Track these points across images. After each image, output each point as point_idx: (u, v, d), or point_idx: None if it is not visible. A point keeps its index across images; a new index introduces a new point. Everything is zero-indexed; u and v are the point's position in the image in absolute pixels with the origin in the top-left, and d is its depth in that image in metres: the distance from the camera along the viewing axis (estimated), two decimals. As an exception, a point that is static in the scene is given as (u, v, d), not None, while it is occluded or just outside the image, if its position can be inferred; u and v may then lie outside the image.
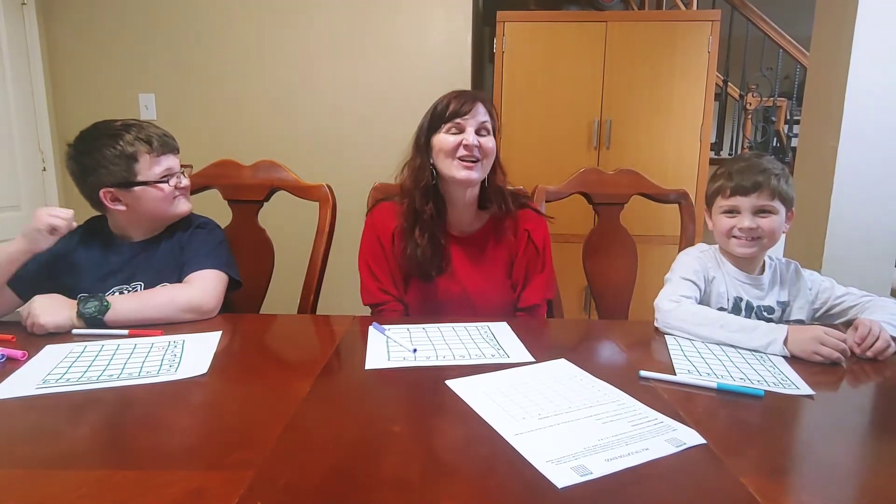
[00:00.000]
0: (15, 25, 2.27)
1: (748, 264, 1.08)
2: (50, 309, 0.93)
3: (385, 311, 1.16)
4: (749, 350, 0.89)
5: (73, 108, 2.45)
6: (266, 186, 1.36)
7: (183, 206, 1.14)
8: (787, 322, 1.05)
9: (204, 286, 1.04)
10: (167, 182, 1.09)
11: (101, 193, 1.05)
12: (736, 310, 1.05)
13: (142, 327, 0.95)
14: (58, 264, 1.07)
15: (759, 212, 1.02)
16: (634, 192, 1.45)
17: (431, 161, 1.12)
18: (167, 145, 1.10)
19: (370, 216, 1.21)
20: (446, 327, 0.99)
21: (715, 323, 0.93)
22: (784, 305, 1.06)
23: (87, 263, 1.08)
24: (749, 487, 0.50)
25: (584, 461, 0.54)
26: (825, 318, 1.07)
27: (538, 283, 1.19)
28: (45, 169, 2.40)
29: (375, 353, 0.85)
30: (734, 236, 1.04)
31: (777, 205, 1.02)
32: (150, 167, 1.07)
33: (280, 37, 2.41)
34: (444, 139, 1.09)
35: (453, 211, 1.17)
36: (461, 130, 1.08)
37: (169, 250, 1.12)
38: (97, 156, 1.04)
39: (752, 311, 1.05)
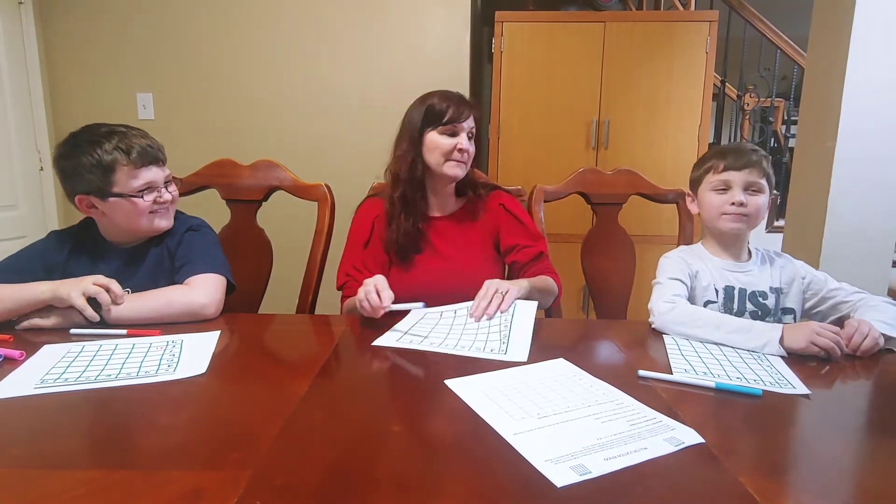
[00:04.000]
0: (12, 25, 2.27)
1: (732, 251, 1.10)
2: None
3: (345, 288, 1.22)
4: (746, 350, 0.89)
5: (71, 108, 2.44)
6: (264, 186, 1.36)
7: (160, 222, 1.09)
8: (782, 310, 1.07)
9: (206, 290, 1.03)
10: (142, 197, 1.04)
11: (76, 199, 1.03)
12: (728, 299, 1.06)
13: (141, 327, 0.95)
14: (52, 276, 1.03)
15: (749, 188, 1.05)
16: (632, 191, 1.45)
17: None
18: (148, 156, 1.04)
19: (358, 209, 1.31)
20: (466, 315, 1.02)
21: (711, 324, 0.94)
22: (777, 291, 1.07)
23: (77, 273, 1.01)
24: (747, 486, 0.50)
25: (583, 460, 0.54)
26: (817, 311, 1.08)
27: (526, 240, 1.27)
28: (42, 168, 2.40)
29: (386, 336, 0.92)
30: (725, 213, 1.06)
31: (764, 184, 1.06)
32: (128, 180, 1.02)
33: (278, 36, 2.41)
34: (440, 140, 1.18)
35: (435, 197, 1.28)
36: (456, 134, 1.19)
37: (157, 256, 1.10)
38: (75, 162, 1.00)
39: (745, 297, 1.05)
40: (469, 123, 1.20)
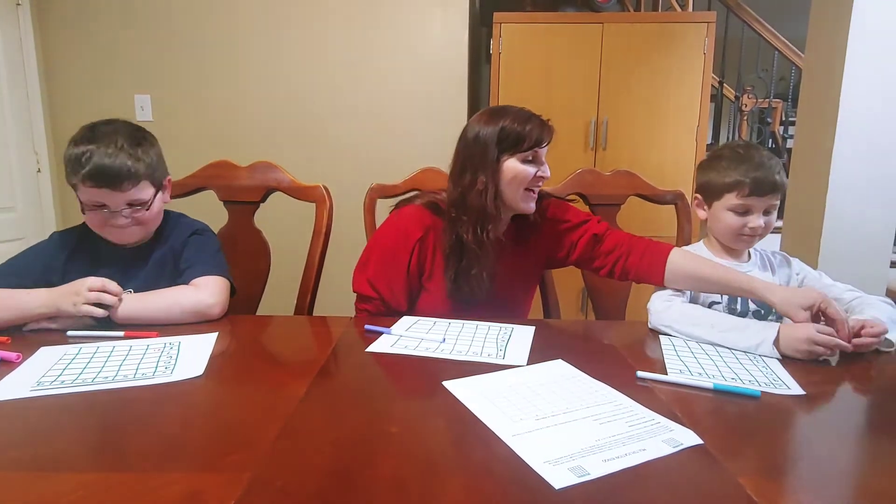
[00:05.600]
0: (9, 26, 2.27)
1: (734, 254, 1.11)
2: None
3: (368, 308, 1.11)
4: (740, 350, 0.89)
5: (69, 109, 2.44)
6: (262, 187, 1.36)
7: (119, 238, 1.04)
8: None
9: (212, 290, 1.03)
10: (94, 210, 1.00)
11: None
12: (732, 299, 1.07)
13: (146, 327, 0.95)
14: (52, 277, 1.03)
15: (767, 210, 1.05)
16: (631, 192, 1.45)
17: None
18: (102, 179, 0.95)
19: (399, 214, 1.14)
20: (470, 324, 1.00)
21: (706, 322, 0.94)
22: None
23: (77, 274, 0.99)
24: (746, 487, 0.50)
25: (582, 462, 0.54)
26: None
27: (580, 230, 1.16)
28: (39, 170, 2.40)
29: (381, 341, 0.90)
30: (741, 234, 1.06)
31: (778, 201, 1.06)
32: (82, 190, 0.98)
33: (276, 37, 2.41)
34: (521, 169, 1.04)
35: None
36: (539, 161, 1.06)
37: (160, 258, 1.09)
38: (66, 152, 0.98)
39: (746, 298, 1.05)
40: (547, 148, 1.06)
